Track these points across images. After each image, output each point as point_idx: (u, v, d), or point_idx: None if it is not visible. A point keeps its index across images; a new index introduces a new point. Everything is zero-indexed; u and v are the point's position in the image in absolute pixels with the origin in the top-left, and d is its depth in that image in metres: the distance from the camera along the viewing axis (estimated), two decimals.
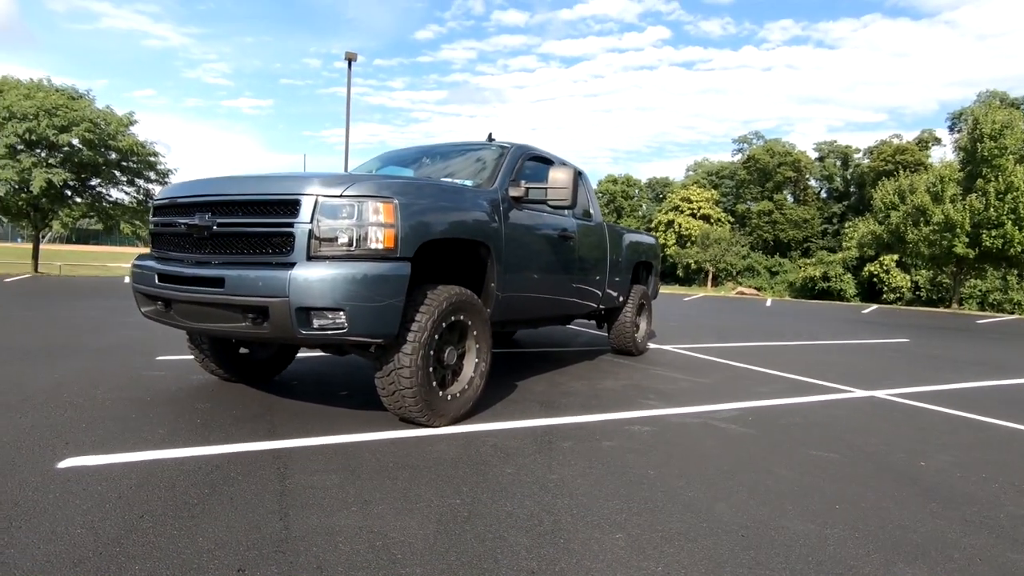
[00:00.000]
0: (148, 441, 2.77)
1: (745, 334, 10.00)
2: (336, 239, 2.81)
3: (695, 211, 55.89)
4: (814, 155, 58.43)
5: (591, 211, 5.51)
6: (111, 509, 2.05)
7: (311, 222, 2.79)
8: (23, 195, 16.89)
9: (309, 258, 2.79)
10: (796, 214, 54.34)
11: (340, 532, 1.98)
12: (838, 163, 57.72)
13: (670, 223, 56.82)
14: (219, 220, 2.98)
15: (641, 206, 69.16)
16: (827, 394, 4.93)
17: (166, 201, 3.35)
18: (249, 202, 2.92)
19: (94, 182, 18.99)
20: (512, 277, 3.97)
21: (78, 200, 18.76)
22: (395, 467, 2.62)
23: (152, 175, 20.20)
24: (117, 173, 19.21)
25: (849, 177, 56.76)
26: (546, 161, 4.90)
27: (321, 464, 2.61)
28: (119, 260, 29.09)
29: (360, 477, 2.48)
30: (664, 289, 34.61)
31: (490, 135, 4.80)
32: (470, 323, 3.47)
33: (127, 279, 16.03)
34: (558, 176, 4.02)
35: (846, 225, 48.82)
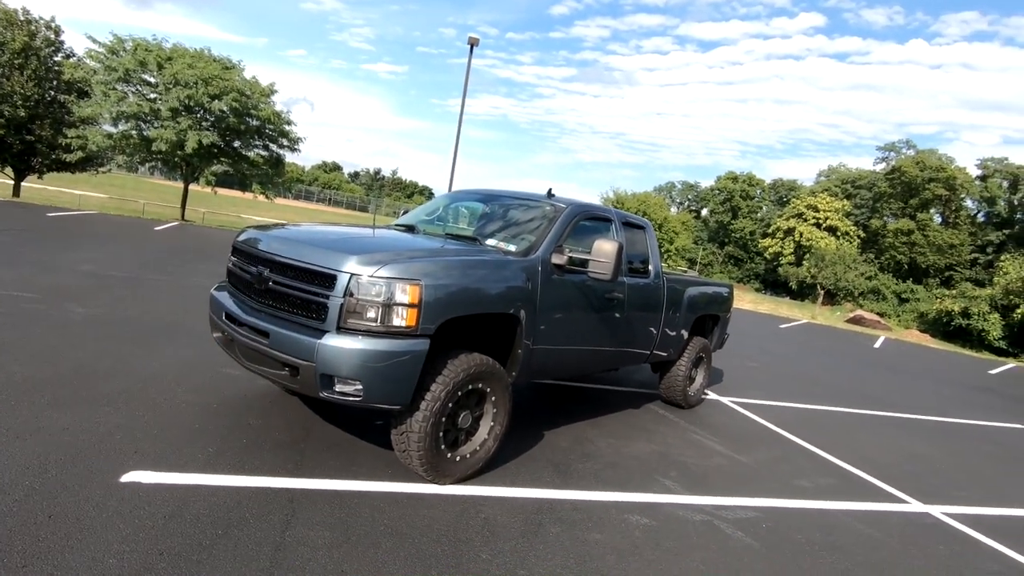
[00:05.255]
0: (196, 461, 3.28)
1: (828, 390, 9.33)
2: (364, 314, 3.10)
3: (820, 221, 51.48)
4: (975, 172, 51.22)
5: (650, 266, 5.43)
6: (143, 540, 2.52)
7: (343, 296, 3.10)
8: (179, 152, 19.29)
9: (339, 328, 3.11)
10: (942, 238, 48.31)
11: None
12: (1004, 184, 50.14)
13: (790, 231, 52.92)
14: (274, 278, 3.39)
15: (761, 207, 64.86)
16: (874, 501, 4.59)
17: (243, 244, 3.83)
18: (297, 268, 3.29)
19: (236, 144, 21.22)
20: (545, 341, 4.09)
21: (222, 159, 21.06)
22: (383, 532, 2.92)
23: (284, 142, 22.22)
24: (254, 139, 21.35)
25: (1016, 203, 49.21)
26: (604, 220, 4.90)
27: (323, 515, 2.97)
28: (251, 211, 32.40)
29: (349, 539, 2.80)
30: (765, 307, 32.52)
31: (550, 191, 4.88)
32: (489, 390, 3.66)
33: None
34: (603, 248, 4.06)
35: (1002, 257, 42.60)
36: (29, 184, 21.08)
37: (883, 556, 3.65)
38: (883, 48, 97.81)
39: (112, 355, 4.83)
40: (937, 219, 51.14)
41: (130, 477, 2.99)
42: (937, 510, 4.62)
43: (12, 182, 19.83)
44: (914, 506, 4.64)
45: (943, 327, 38.23)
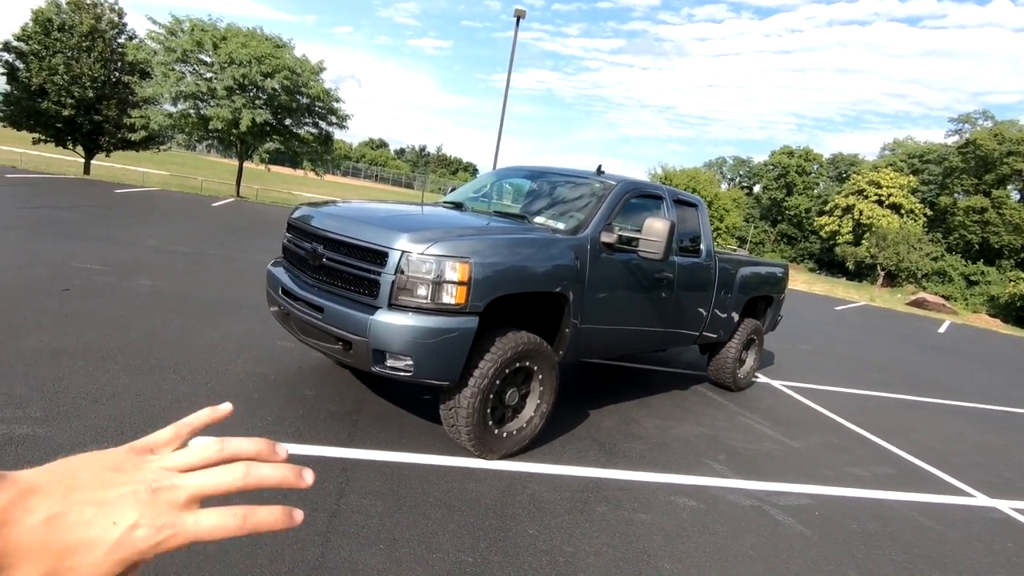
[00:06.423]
0: (256, 429, 3.44)
1: (888, 376, 8.93)
2: (415, 291, 3.15)
3: (883, 198, 48.76)
4: None
5: (702, 245, 5.27)
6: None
7: (395, 274, 3.15)
8: (234, 130, 19.90)
9: (390, 305, 3.16)
10: (1020, 216, 44.98)
11: (361, 572, 2.39)
12: None
13: (848, 208, 50.39)
14: (327, 254, 3.47)
15: (817, 184, 61.95)
16: (935, 493, 4.40)
17: (297, 221, 3.93)
18: (350, 245, 3.35)
19: (287, 122, 21.72)
20: (593, 320, 4.06)
21: (274, 137, 21.64)
22: (433, 503, 3.00)
23: (333, 119, 22.59)
24: (305, 116, 21.80)
25: None
26: (655, 197, 4.78)
27: (375, 484, 3.07)
28: (302, 187, 33.28)
29: (401, 508, 2.89)
30: (820, 287, 31.24)
31: (599, 167, 4.78)
32: (536, 368, 3.67)
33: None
34: (654, 226, 3.97)
35: None
36: (98, 162, 22.24)
37: (945, 550, 3.50)
38: (961, 10, 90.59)
39: (177, 326, 5.09)
40: (1015, 196, 47.62)
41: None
42: (1005, 505, 4.38)
43: (83, 160, 20.97)
44: (980, 500, 4.42)
45: (1016, 312, 35.90)
